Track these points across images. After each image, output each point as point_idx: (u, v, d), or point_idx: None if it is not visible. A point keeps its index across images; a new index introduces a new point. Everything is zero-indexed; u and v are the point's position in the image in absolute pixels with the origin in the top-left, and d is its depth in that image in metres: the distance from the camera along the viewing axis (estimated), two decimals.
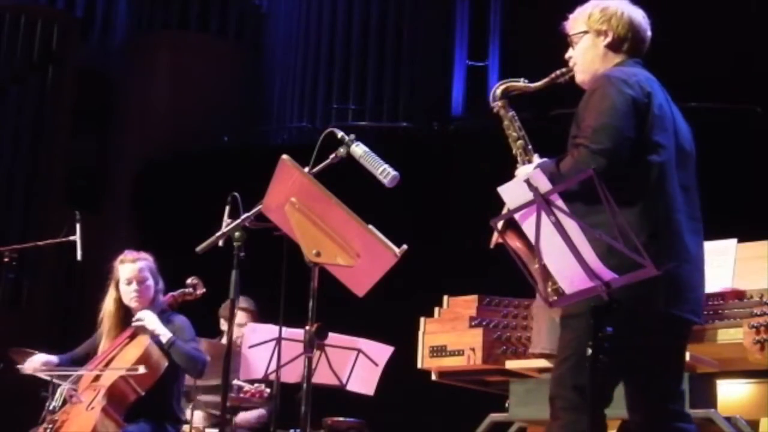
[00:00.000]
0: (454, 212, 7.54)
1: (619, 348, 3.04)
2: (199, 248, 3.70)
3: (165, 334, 4.81)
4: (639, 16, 3.51)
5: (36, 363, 4.94)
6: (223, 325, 6.16)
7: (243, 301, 5.79)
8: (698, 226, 3.41)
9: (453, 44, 10.23)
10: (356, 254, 3.37)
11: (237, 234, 3.65)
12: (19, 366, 4.98)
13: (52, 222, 9.05)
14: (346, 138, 3.56)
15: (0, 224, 9.66)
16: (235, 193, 3.77)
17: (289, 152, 3.43)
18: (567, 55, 3.58)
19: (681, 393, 3.40)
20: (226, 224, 3.71)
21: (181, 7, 10.95)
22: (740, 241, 4.50)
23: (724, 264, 4.44)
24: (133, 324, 4.89)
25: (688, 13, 7.70)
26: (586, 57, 3.51)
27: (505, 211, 3.25)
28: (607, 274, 2.85)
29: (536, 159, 3.60)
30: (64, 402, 4.75)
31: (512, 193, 2.92)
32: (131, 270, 4.97)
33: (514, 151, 3.68)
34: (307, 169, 3.47)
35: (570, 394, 3.24)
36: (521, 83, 3.75)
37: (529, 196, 2.86)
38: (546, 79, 3.67)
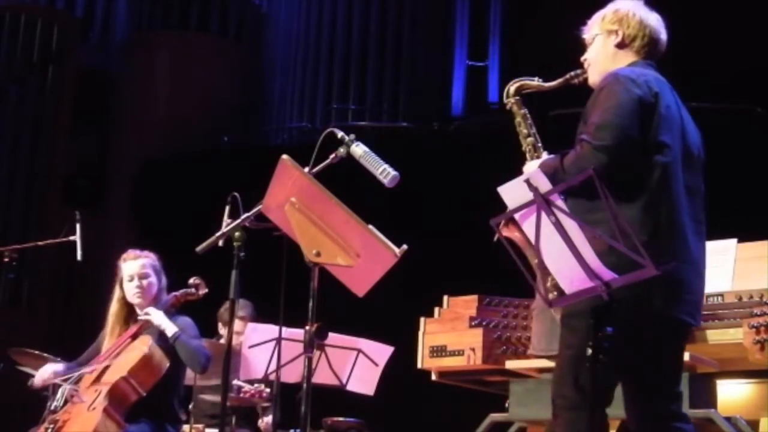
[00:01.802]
0: (454, 212, 7.54)
1: (617, 348, 3.05)
2: (199, 248, 3.70)
3: (170, 329, 4.81)
4: (652, 18, 3.55)
5: (46, 375, 4.92)
6: (222, 329, 6.16)
7: (240, 308, 5.76)
8: (701, 229, 3.42)
9: (453, 44, 10.23)
10: (356, 254, 3.37)
11: (237, 234, 3.65)
12: (31, 381, 4.96)
13: (52, 222, 9.07)
14: (346, 138, 3.57)
15: (0, 224, 9.66)
16: (235, 193, 3.77)
17: (289, 152, 3.43)
18: (582, 58, 3.62)
19: (678, 394, 3.39)
20: (226, 224, 3.71)
21: (181, 7, 10.96)
22: (740, 241, 4.50)
23: (724, 264, 4.44)
24: (140, 318, 4.89)
25: (688, 13, 7.70)
26: (599, 57, 3.55)
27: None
28: (607, 274, 2.85)
29: (545, 156, 3.62)
30: (66, 402, 4.74)
31: (512, 193, 2.92)
32: (134, 267, 4.97)
33: (523, 148, 3.73)
34: (307, 169, 3.47)
35: (571, 392, 3.24)
36: (536, 82, 3.79)
37: (529, 196, 2.86)
38: (561, 79, 3.71)
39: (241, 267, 3.68)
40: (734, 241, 4.49)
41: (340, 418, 5.76)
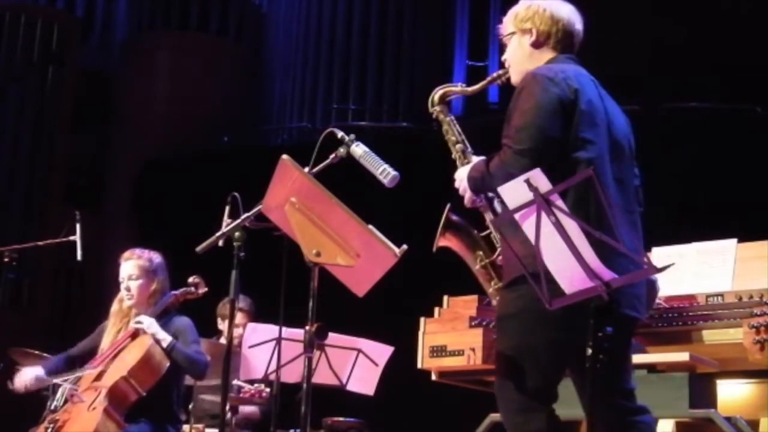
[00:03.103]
0: (454, 212, 7.52)
1: (565, 347, 3.05)
2: (199, 248, 3.70)
3: (165, 339, 4.80)
4: (565, 10, 3.49)
5: (28, 380, 4.91)
6: (221, 324, 6.16)
7: (240, 301, 5.78)
8: (634, 219, 3.38)
9: (453, 44, 10.24)
10: (356, 254, 3.37)
11: (237, 234, 3.66)
12: (10, 386, 4.94)
13: (52, 222, 9.07)
14: (346, 138, 3.57)
15: (0, 224, 9.66)
16: (235, 193, 3.78)
17: (289, 152, 3.43)
18: (503, 58, 3.59)
19: (631, 390, 3.34)
20: (226, 224, 3.71)
21: (181, 7, 10.96)
22: (740, 241, 4.50)
23: (724, 264, 4.44)
24: (132, 326, 4.89)
25: (688, 13, 7.70)
26: (516, 57, 3.51)
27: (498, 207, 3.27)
28: (607, 274, 2.85)
29: (474, 160, 3.61)
30: (65, 401, 4.74)
31: (512, 193, 2.92)
32: (124, 269, 4.98)
33: (453, 155, 3.72)
34: (307, 169, 3.47)
35: (515, 396, 3.23)
36: (458, 87, 3.81)
37: (529, 196, 2.86)
38: (483, 82, 3.71)
39: (241, 267, 3.68)
40: (734, 241, 4.49)
41: (340, 418, 5.75)
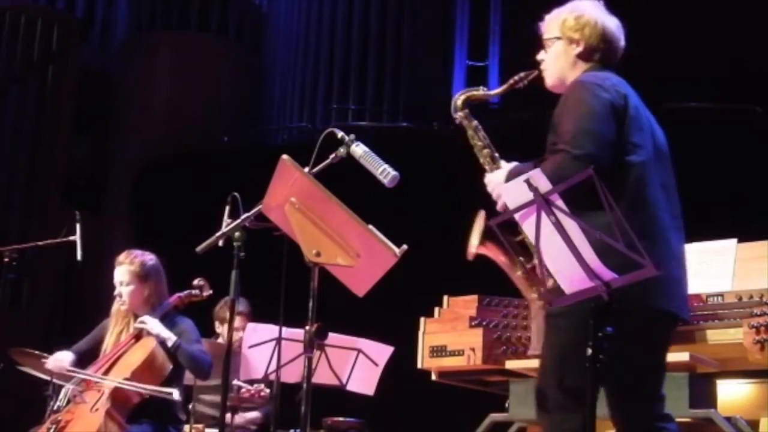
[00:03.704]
0: (455, 212, 7.53)
1: (612, 348, 3.06)
2: (199, 248, 3.70)
3: (169, 338, 4.79)
4: (613, 25, 3.50)
5: (63, 363, 4.84)
6: (218, 328, 6.15)
7: (238, 304, 5.75)
8: (680, 224, 3.41)
9: (453, 44, 10.23)
10: (356, 254, 3.37)
11: (237, 234, 3.66)
12: (44, 361, 4.90)
13: (52, 222, 9.06)
14: (346, 138, 3.57)
15: (0, 224, 9.66)
16: (235, 193, 3.78)
17: (289, 152, 3.43)
18: (539, 57, 3.58)
19: (662, 395, 3.39)
20: (226, 224, 3.71)
21: (181, 7, 10.95)
22: (740, 241, 4.50)
23: (724, 264, 4.44)
24: (136, 326, 4.88)
25: (687, 13, 7.70)
26: (557, 63, 3.51)
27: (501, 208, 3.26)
28: (607, 274, 2.86)
29: (504, 165, 3.60)
30: (68, 402, 4.74)
31: (512, 193, 2.92)
32: (116, 274, 4.97)
33: (481, 160, 3.70)
34: (307, 169, 3.48)
35: (556, 393, 3.24)
36: (481, 92, 3.79)
37: (529, 196, 2.86)
38: (505, 85, 3.70)
39: (241, 267, 3.68)
40: (734, 241, 4.49)
41: (340, 418, 5.75)
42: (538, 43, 3.63)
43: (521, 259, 3.65)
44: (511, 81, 3.64)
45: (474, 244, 3.79)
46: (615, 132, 3.23)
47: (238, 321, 5.83)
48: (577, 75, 3.43)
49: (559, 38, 3.50)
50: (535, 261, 3.54)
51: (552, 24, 3.53)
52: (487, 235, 3.67)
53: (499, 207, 3.45)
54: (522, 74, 3.60)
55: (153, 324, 4.82)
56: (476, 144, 3.71)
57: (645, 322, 3.24)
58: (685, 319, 3.40)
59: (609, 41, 3.47)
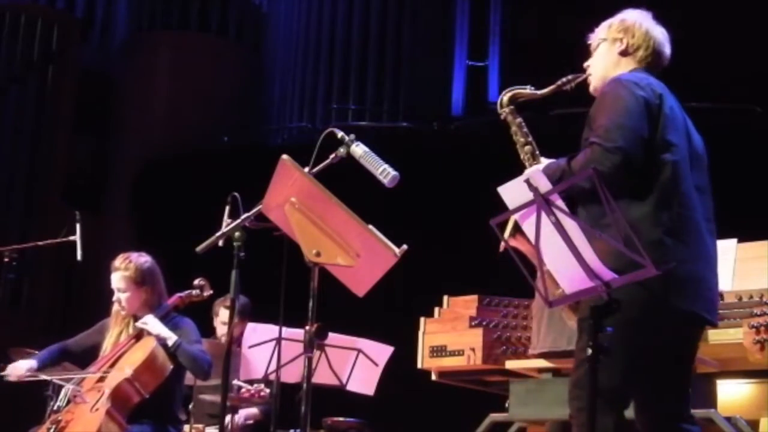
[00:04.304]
0: (454, 212, 7.53)
1: (639, 346, 3.06)
2: (199, 248, 3.70)
3: (170, 338, 4.78)
4: (658, 31, 3.57)
5: (21, 371, 4.86)
6: (215, 321, 6.14)
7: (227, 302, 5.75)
8: (712, 228, 3.43)
9: (453, 44, 10.23)
10: (356, 254, 3.37)
11: (237, 234, 3.65)
12: (4, 375, 4.92)
13: (52, 222, 9.05)
14: (346, 138, 3.57)
15: (0, 224, 9.66)
16: (235, 193, 3.77)
17: (289, 152, 3.43)
18: (586, 63, 3.64)
19: (689, 395, 3.40)
20: (226, 224, 3.71)
21: (181, 7, 10.95)
22: (740, 241, 4.50)
23: (724, 264, 4.44)
24: (137, 326, 4.88)
25: (687, 13, 7.70)
26: (601, 63, 3.57)
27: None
28: (607, 274, 2.85)
29: (544, 161, 3.62)
30: (68, 402, 4.74)
31: (512, 193, 2.92)
32: (112, 280, 4.95)
33: (522, 157, 3.73)
34: (307, 169, 3.47)
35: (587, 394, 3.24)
36: (528, 90, 3.79)
37: (529, 196, 2.86)
38: (552, 87, 3.72)
39: (241, 267, 3.68)
40: (734, 241, 4.49)
41: (340, 418, 5.75)
42: (544, 45, 3.64)
43: None
44: (559, 82, 3.68)
45: (506, 237, 3.79)
46: (648, 129, 3.26)
47: (227, 315, 5.82)
48: (618, 74, 3.46)
49: (604, 40, 3.57)
50: None
51: (600, 30, 3.63)
52: (519, 229, 3.67)
53: None
54: (570, 76, 3.65)
55: (153, 324, 4.82)
56: (519, 140, 3.74)
57: (670, 322, 3.24)
58: (711, 321, 3.39)
59: (652, 43, 3.53)
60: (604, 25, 3.62)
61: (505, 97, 3.78)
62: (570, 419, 3.32)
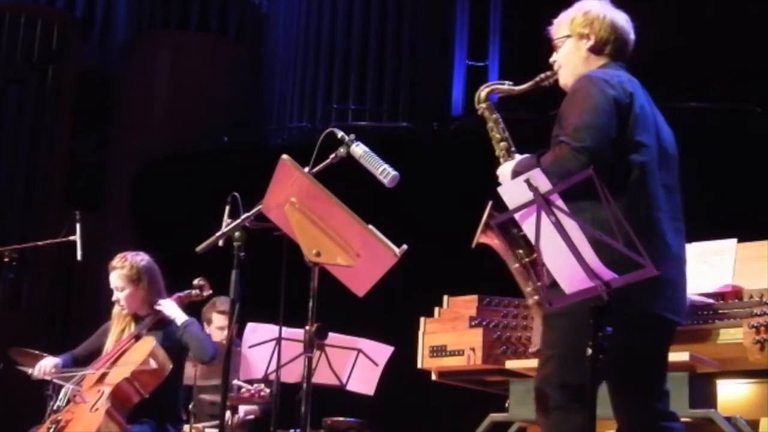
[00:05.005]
0: (455, 212, 7.53)
1: (613, 345, 3.06)
2: (198, 248, 3.70)
3: (180, 317, 4.90)
4: (622, 19, 3.53)
5: (47, 367, 4.89)
6: (207, 328, 6.14)
7: (222, 303, 5.75)
8: (680, 226, 3.41)
9: (453, 44, 10.24)
10: (356, 254, 3.37)
11: (237, 234, 3.66)
12: (30, 371, 4.93)
13: (52, 222, 9.06)
14: (346, 138, 3.57)
15: (0, 224, 9.66)
16: (235, 193, 3.77)
17: (289, 152, 3.43)
18: (551, 59, 3.61)
19: (666, 392, 3.39)
20: (226, 224, 3.71)
21: (181, 7, 10.96)
22: (740, 241, 4.50)
23: (724, 264, 4.44)
24: (155, 308, 4.93)
25: (688, 14, 7.70)
26: (570, 60, 3.53)
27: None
28: (607, 274, 2.85)
29: (519, 158, 3.61)
30: (68, 401, 4.74)
31: (512, 193, 2.92)
32: (111, 280, 4.97)
33: (497, 153, 3.72)
34: (307, 169, 3.47)
35: (556, 392, 3.24)
36: (506, 86, 3.80)
37: (529, 196, 2.86)
38: (531, 82, 3.71)
39: (241, 267, 3.68)
40: (734, 241, 4.49)
41: (340, 418, 5.75)
42: (544, 45, 3.64)
43: (520, 252, 3.66)
44: (537, 78, 3.67)
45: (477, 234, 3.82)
46: (617, 128, 3.24)
47: (221, 320, 5.82)
48: (588, 70, 3.44)
49: (569, 36, 3.53)
50: (535, 255, 3.56)
51: (561, 25, 3.58)
52: (490, 226, 3.69)
53: None
54: (549, 72, 3.62)
55: (168, 306, 4.93)
56: (494, 136, 3.73)
57: (641, 326, 3.24)
58: (679, 323, 3.39)
59: (618, 33, 3.50)
60: (566, 18, 3.56)
61: (483, 92, 3.77)
62: (538, 417, 3.32)
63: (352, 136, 3.58)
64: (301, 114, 10.32)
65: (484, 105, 3.76)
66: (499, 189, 3.00)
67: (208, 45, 10.99)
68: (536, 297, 3.55)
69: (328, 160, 3.57)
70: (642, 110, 3.33)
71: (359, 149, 3.53)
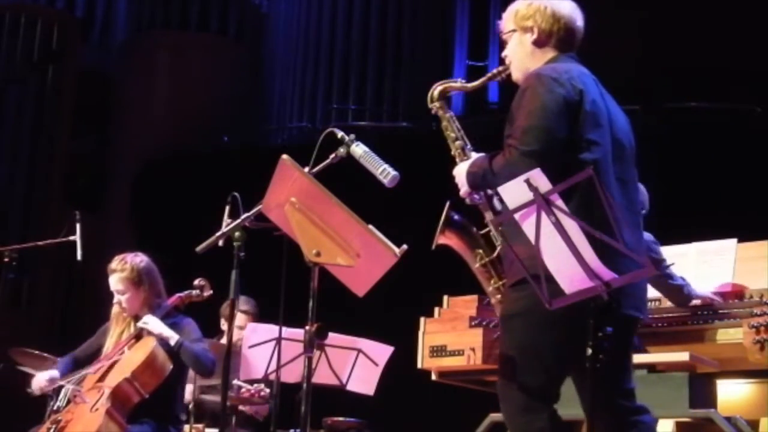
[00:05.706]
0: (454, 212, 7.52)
1: (570, 347, 3.05)
2: (199, 248, 3.70)
3: (171, 337, 4.77)
4: (567, 8, 3.46)
5: (43, 383, 4.88)
6: (224, 325, 6.16)
7: (243, 303, 5.77)
8: (637, 219, 3.37)
9: (453, 44, 10.24)
10: (356, 254, 3.37)
11: (237, 234, 3.65)
12: (28, 390, 4.93)
13: (52, 222, 9.07)
14: (346, 138, 3.57)
15: (0, 224, 9.67)
16: (235, 193, 3.77)
17: (289, 152, 3.43)
18: (503, 54, 3.57)
19: (630, 390, 3.34)
20: (226, 224, 3.71)
21: (181, 7, 10.97)
22: (740, 241, 4.50)
23: (724, 264, 4.44)
24: (138, 326, 4.87)
25: (688, 13, 7.70)
26: (516, 55, 3.49)
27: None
28: (607, 274, 2.85)
29: (474, 156, 3.59)
30: (68, 402, 4.74)
31: (512, 193, 2.92)
32: (110, 283, 4.94)
33: (452, 152, 3.69)
34: (307, 169, 3.47)
35: (519, 395, 3.22)
36: (458, 83, 3.77)
37: (529, 196, 2.86)
38: (483, 79, 3.68)
39: (241, 267, 3.68)
40: (734, 241, 4.49)
41: (340, 418, 5.75)
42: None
43: (480, 251, 3.65)
44: (489, 75, 3.63)
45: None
46: (566, 128, 3.20)
47: (242, 320, 5.84)
48: (538, 65, 3.39)
49: (514, 30, 3.48)
50: (495, 255, 3.56)
51: (507, 19, 3.52)
52: (449, 226, 3.69)
53: (461, 195, 3.49)
54: (500, 68, 3.59)
55: (154, 324, 4.81)
56: (449, 135, 3.70)
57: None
58: (640, 318, 3.34)
59: (563, 23, 3.43)
60: (511, 12, 3.51)
61: (436, 91, 3.72)
62: (505, 421, 3.30)
63: (352, 136, 3.58)
64: (301, 114, 10.32)
65: (437, 104, 3.71)
66: (499, 189, 2.99)
67: (208, 45, 11.00)
68: (498, 296, 3.54)
69: (328, 160, 3.57)
70: (593, 105, 3.27)
71: (359, 149, 3.53)
